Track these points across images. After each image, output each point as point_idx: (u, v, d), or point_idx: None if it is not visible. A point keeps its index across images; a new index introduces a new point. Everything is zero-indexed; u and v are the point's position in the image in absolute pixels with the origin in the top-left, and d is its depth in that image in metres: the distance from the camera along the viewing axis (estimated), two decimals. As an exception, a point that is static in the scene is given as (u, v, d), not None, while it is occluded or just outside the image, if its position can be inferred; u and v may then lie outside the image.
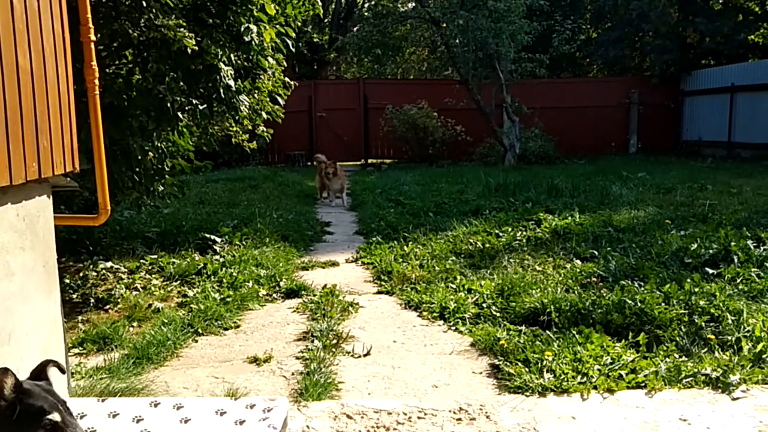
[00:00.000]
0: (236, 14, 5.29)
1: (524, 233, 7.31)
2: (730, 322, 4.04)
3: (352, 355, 4.10)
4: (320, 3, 7.19)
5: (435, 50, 21.19)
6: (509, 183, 11.04)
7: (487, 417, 3.20)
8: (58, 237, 3.16)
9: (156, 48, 4.89)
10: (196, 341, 4.41)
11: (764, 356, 3.66)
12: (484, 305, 4.85)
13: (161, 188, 6.03)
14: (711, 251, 5.67)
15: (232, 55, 5.28)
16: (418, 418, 3.21)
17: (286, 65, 6.88)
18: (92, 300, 5.14)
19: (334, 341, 4.29)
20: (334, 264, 6.69)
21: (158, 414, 2.87)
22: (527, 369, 3.62)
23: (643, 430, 3.05)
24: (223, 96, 5.34)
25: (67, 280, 5.45)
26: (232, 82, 5.26)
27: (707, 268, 5.32)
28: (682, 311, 4.24)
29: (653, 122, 19.27)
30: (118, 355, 4.05)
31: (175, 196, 6.63)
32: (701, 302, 4.30)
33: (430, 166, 17.13)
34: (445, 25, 16.98)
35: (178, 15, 4.95)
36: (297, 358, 4.06)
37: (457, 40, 17.20)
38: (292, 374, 3.79)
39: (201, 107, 5.53)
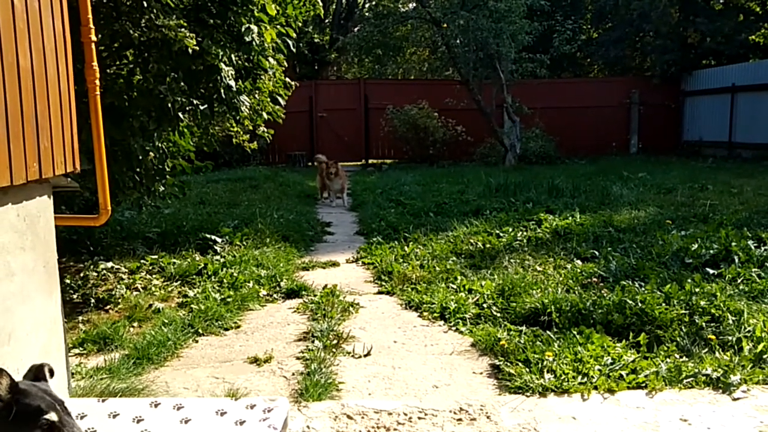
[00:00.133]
0: (237, 15, 5.29)
1: (525, 233, 7.30)
2: (730, 322, 4.04)
3: (352, 356, 4.10)
4: (321, 3, 7.20)
5: (436, 50, 21.18)
6: (510, 183, 11.03)
7: (488, 417, 3.20)
8: (58, 237, 3.16)
9: (157, 48, 4.90)
10: (197, 341, 4.41)
11: (765, 356, 3.66)
12: (485, 305, 4.85)
13: (162, 188, 6.04)
14: (712, 251, 5.66)
15: (232, 56, 5.28)
16: (419, 418, 3.21)
17: (286, 65, 6.89)
18: (93, 300, 5.14)
19: (335, 341, 4.28)
20: (335, 264, 6.69)
21: (158, 414, 2.87)
22: (528, 369, 3.62)
23: (644, 431, 3.05)
24: (223, 96, 5.34)
25: (68, 281, 5.45)
26: (232, 83, 5.26)
27: (708, 269, 5.32)
28: (683, 311, 4.24)
29: (654, 122, 19.26)
30: (118, 356, 4.06)
31: (176, 196, 6.64)
32: (702, 302, 4.30)
33: (430, 167, 17.12)
34: (445, 25, 16.97)
35: (179, 15, 4.96)
36: (297, 358, 4.06)
37: (458, 41, 17.20)
38: (293, 374, 3.79)
39: (202, 107, 5.53)
